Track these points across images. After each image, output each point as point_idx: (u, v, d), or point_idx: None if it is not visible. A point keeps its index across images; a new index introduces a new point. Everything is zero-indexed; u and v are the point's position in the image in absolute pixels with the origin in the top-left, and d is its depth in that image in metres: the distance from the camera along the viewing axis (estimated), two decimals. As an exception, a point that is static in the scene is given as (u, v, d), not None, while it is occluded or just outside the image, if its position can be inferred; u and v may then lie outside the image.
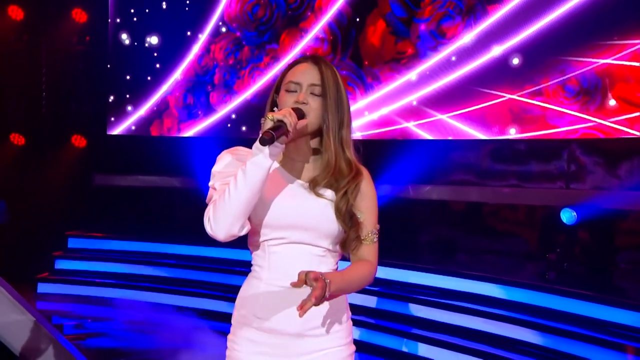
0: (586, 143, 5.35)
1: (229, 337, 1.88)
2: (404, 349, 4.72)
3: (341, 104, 1.81)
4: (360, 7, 6.37)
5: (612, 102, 5.13)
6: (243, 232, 1.73)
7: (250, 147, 1.77)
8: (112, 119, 7.64)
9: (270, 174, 1.72)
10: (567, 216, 5.07)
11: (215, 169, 1.83)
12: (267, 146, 1.64)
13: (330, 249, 1.82)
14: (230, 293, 5.81)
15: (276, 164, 1.82)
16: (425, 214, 6.09)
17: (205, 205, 1.77)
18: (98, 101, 7.59)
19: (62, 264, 6.65)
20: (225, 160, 1.83)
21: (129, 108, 7.60)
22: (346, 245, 1.83)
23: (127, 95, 7.60)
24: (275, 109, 1.82)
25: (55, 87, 7.35)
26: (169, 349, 5.02)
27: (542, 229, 5.67)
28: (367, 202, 1.85)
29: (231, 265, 6.15)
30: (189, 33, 7.30)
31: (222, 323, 5.51)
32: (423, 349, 4.64)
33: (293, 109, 1.73)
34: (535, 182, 5.61)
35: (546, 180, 5.58)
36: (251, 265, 1.88)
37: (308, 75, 1.80)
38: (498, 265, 5.55)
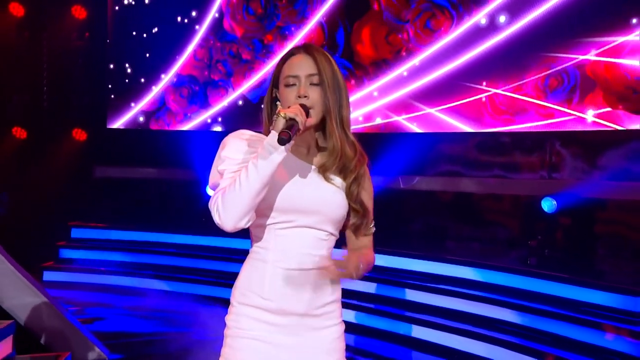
0: (567, 135, 5.51)
1: (229, 317, 1.88)
2: (397, 330, 4.89)
3: (338, 86, 1.82)
4: (351, 7, 6.54)
5: (591, 96, 5.32)
6: (248, 224, 1.74)
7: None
8: (111, 111, 7.75)
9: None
10: (548, 205, 5.28)
11: (223, 153, 1.81)
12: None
13: (333, 233, 1.85)
14: (226, 279, 6.00)
15: None
16: (415, 203, 6.22)
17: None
18: (98, 95, 7.68)
19: (66, 253, 6.77)
20: (233, 145, 1.82)
21: (128, 102, 7.69)
22: (357, 231, 1.88)
23: (126, 89, 7.69)
24: (277, 103, 1.85)
25: (56, 82, 7.43)
26: (168, 332, 5.24)
27: (524, 217, 5.82)
28: (367, 192, 1.89)
29: (227, 254, 6.30)
30: (186, 20, 7.40)
31: (218, 307, 5.71)
32: (414, 330, 4.84)
33: (301, 105, 1.74)
34: (519, 173, 5.77)
35: (529, 170, 5.75)
36: (250, 248, 1.89)
37: (304, 66, 1.80)
38: (483, 251, 5.70)
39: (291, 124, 1.66)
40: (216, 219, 1.71)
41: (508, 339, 4.41)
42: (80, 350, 4.07)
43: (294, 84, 1.80)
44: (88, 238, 6.94)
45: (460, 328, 4.65)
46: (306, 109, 1.75)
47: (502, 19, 5.69)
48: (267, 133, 1.80)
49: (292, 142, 1.68)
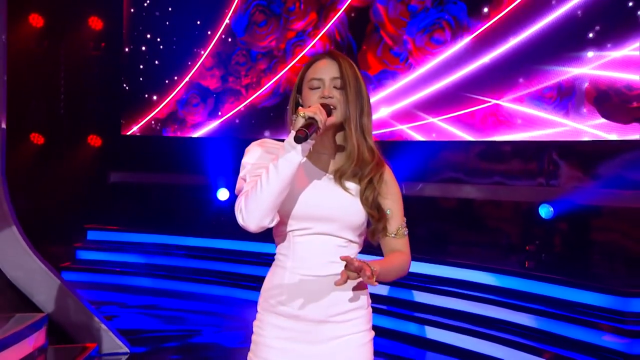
0: (564, 145, 5.72)
1: (255, 322, 1.88)
2: (402, 329, 5.09)
3: (360, 93, 1.82)
4: (357, 18, 6.79)
5: (587, 108, 5.57)
6: (273, 224, 1.73)
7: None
8: (125, 119, 7.97)
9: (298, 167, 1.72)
10: (545, 211, 5.48)
11: (245, 160, 1.83)
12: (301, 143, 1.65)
13: (352, 240, 1.82)
14: (236, 280, 6.23)
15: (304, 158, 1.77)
16: (418, 209, 6.29)
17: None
18: (113, 103, 7.85)
19: (82, 255, 6.93)
20: (255, 153, 1.83)
21: (141, 109, 7.90)
22: (374, 235, 1.84)
23: (140, 97, 7.90)
24: (297, 109, 1.79)
25: (73, 89, 7.56)
26: (181, 329, 5.45)
27: (523, 222, 6.01)
28: (392, 196, 1.85)
29: (237, 256, 6.49)
30: (198, 22, 7.60)
31: (228, 306, 5.90)
32: (418, 329, 5.03)
33: (321, 104, 1.74)
34: (518, 180, 5.97)
35: (527, 178, 5.95)
36: (275, 254, 1.89)
37: (328, 70, 1.81)
38: (484, 255, 5.85)
39: (310, 122, 1.66)
40: (240, 220, 1.71)
41: (507, 337, 4.58)
42: (104, 343, 4.31)
43: (318, 87, 1.81)
44: (103, 240, 7.09)
45: (463, 327, 4.82)
46: (327, 109, 1.74)
47: (501, 33, 5.94)
48: None
49: (312, 141, 1.68)
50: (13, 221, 4.07)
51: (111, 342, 4.35)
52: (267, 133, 7.27)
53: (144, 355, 4.67)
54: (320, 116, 1.67)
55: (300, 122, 1.66)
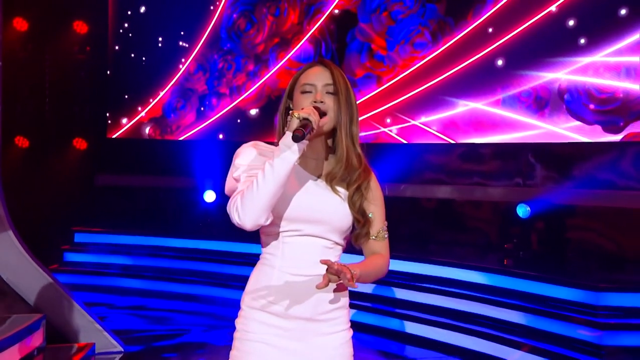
0: (540, 147, 5.93)
1: (239, 320, 1.91)
2: (386, 325, 5.22)
3: (350, 101, 1.87)
4: (340, 23, 6.95)
5: (561, 111, 5.77)
6: (268, 222, 1.76)
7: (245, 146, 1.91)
8: (110, 122, 8.04)
9: None
10: (522, 211, 5.68)
11: (238, 161, 1.86)
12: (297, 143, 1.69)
13: (338, 242, 1.88)
14: (222, 280, 6.32)
15: None
16: (401, 209, 6.45)
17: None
18: (98, 106, 7.89)
19: (69, 257, 6.96)
20: (247, 154, 1.86)
21: (128, 112, 7.97)
22: (357, 239, 1.90)
23: (126, 100, 7.96)
24: (291, 112, 1.83)
25: (58, 93, 7.57)
26: (169, 329, 5.55)
27: (501, 222, 6.21)
28: (376, 201, 1.91)
29: (224, 256, 6.58)
30: (181, 43, 7.74)
31: (214, 307, 6.01)
32: (401, 325, 5.17)
33: (314, 107, 1.79)
34: (496, 181, 6.17)
35: (505, 179, 6.15)
36: (260, 253, 1.93)
37: (321, 76, 1.86)
38: (464, 253, 6.01)
39: (305, 123, 1.70)
40: (235, 218, 1.74)
41: (486, 331, 4.76)
42: (99, 342, 4.42)
43: (310, 92, 1.85)
44: (90, 242, 7.11)
45: (443, 322, 4.99)
46: (320, 112, 1.80)
47: (480, 39, 6.14)
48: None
49: (307, 141, 1.72)
50: (8, 224, 4.16)
51: (105, 341, 4.45)
52: (252, 136, 7.40)
53: (137, 354, 4.77)
54: (314, 117, 1.73)
55: (295, 122, 1.70)
